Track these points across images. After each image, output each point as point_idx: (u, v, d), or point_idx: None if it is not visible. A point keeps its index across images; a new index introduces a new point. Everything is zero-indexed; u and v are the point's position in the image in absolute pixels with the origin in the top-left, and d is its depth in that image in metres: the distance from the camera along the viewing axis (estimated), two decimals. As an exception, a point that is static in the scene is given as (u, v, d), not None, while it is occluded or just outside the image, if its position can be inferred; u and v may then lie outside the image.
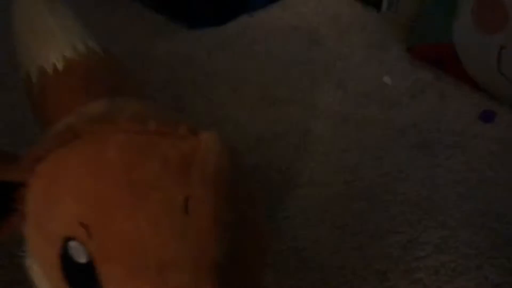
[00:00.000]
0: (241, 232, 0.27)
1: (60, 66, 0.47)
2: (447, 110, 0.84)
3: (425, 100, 0.86)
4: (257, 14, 1.07)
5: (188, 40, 1.00)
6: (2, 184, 0.27)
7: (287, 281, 0.56)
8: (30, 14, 0.52)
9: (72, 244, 0.27)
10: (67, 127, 0.28)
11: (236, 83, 0.89)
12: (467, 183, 0.70)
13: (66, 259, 0.27)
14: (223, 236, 0.25)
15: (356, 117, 0.82)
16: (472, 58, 0.84)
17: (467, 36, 0.83)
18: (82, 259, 0.27)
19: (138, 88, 0.55)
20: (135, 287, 0.27)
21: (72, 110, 0.45)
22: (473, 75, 0.85)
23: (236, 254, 0.26)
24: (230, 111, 0.82)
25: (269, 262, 0.56)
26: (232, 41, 1.00)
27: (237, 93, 0.86)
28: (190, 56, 0.96)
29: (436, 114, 0.83)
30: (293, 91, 0.87)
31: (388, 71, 0.92)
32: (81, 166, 0.27)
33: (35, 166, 0.27)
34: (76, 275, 0.28)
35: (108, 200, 0.26)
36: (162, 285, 0.27)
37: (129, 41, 0.97)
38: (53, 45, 0.48)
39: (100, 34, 0.53)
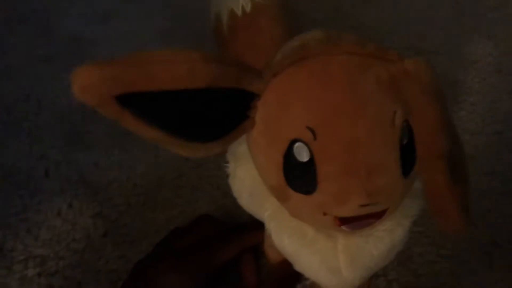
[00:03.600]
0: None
1: (248, 8, 0.54)
2: None
3: None
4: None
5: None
6: (243, 93, 0.33)
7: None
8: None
9: (298, 144, 0.32)
10: (297, 48, 0.33)
11: (381, 35, 0.90)
12: None
13: (289, 158, 0.33)
14: None
15: (508, 68, 0.80)
16: None
17: None
18: (304, 158, 0.32)
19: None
20: (346, 183, 0.32)
21: (261, 47, 0.52)
22: None
23: None
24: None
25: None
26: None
27: (382, 45, 0.87)
28: (335, 10, 0.98)
29: None
30: (440, 43, 0.86)
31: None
32: (309, 79, 0.32)
33: (271, 80, 0.33)
34: (295, 172, 0.33)
35: (333, 108, 0.31)
36: (369, 185, 0.32)
37: None
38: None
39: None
